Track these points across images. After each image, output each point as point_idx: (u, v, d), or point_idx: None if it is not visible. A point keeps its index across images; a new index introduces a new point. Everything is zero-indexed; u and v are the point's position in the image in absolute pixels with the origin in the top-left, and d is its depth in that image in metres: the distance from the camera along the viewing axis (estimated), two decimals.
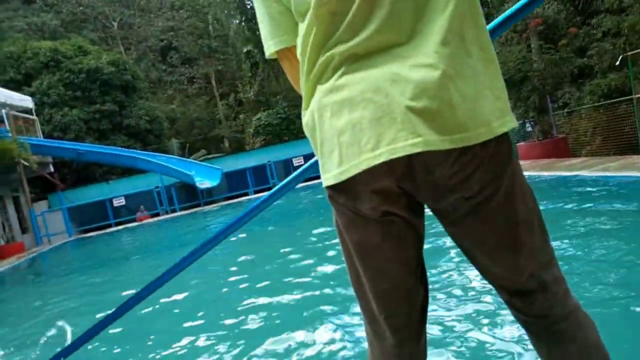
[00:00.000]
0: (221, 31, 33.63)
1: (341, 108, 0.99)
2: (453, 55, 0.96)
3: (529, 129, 12.40)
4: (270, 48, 1.16)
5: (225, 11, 30.87)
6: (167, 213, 18.65)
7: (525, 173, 1.15)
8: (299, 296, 4.11)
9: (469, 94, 0.96)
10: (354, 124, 0.98)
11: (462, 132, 0.95)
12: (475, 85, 0.98)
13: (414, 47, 0.98)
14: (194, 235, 11.83)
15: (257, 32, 18.03)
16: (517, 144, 11.60)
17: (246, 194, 18.91)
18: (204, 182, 18.33)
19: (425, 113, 0.94)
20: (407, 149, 0.94)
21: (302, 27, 1.05)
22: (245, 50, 28.00)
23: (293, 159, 19.39)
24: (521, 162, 7.68)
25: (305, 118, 1.10)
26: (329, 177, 1.03)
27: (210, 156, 24.98)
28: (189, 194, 19.50)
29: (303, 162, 19.20)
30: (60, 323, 4.23)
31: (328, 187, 1.07)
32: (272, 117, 25.52)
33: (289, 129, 25.59)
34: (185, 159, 21.88)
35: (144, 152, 21.23)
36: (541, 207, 1.13)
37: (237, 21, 28.53)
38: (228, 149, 30.33)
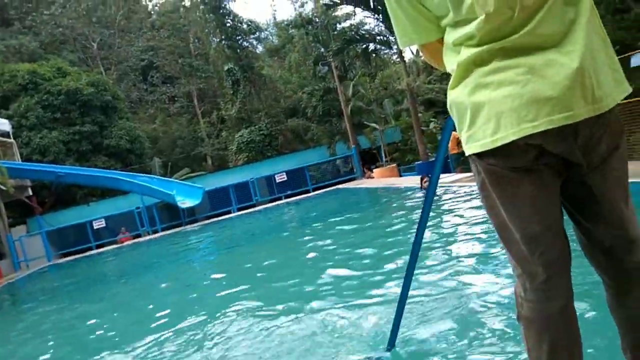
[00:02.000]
0: (202, 49, 33.66)
1: (501, 85, 1.20)
2: (589, 44, 1.21)
3: None
4: (412, 41, 1.45)
5: (206, 30, 30.96)
6: (148, 234, 18.38)
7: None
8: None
9: (600, 72, 1.22)
10: (513, 98, 1.19)
11: (598, 102, 1.21)
12: (602, 65, 1.23)
13: (563, 40, 1.21)
14: (173, 256, 11.65)
15: (237, 50, 18.12)
16: None
17: (229, 212, 18.75)
18: (185, 202, 18.13)
19: (574, 90, 1.18)
20: (562, 121, 1.18)
21: (469, 26, 1.24)
22: (226, 68, 28.02)
23: (275, 175, 19.31)
24: None
25: (455, 94, 1.31)
26: (484, 142, 1.24)
27: (193, 174, 24.78)
28: (171, 214, 19.29)
29: (285, 178, 19.19)
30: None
31: (477, 153, 1.27)
32: (255, 134, 25.47)
33: (271, 145, 25.55)
34: (166, 178, 21.67)
35: (124, 172, 20.99)
36: None
37: (217, 39, 28.60)
38: (211, 166, 30.14)
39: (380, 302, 3.75)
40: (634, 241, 1.35)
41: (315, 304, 4.11)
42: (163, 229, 18.46)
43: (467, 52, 1.26)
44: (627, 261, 1.35)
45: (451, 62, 1.32)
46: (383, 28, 15.08)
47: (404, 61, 15.59)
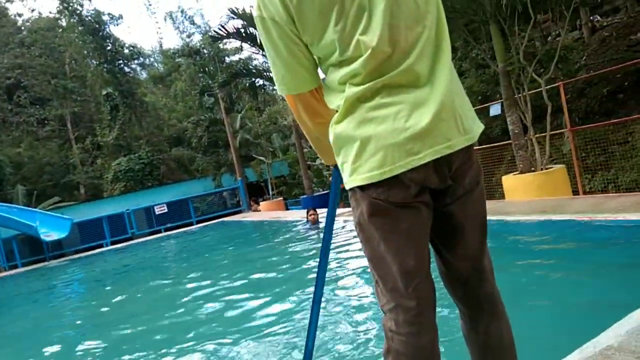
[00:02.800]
0: (78, 71, 31.50)
1: (386, 120, 1.27)
2: (452, 82, 1.34)
3: None
4: (289, 90, 1.45)
5: (85, 52, 29.15)
6: (5, 270, 16.32)
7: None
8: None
9: (464, 107, 1.36)
10: (399, 132, 1.26)
11: (468, 133, 1.34)
12: (463, 101, 1.37)
13: (432, 77, 1.32)
14: (29, 295, 10.42)
15: (117, 75, 17.30)
16: None
17: (101, 246, 17.35)
18: (50, 234, 16.41)
19: (449, 122, 1.30)
20: (444, 150, 1.29)
21: (354, 64, 1.30)
22: (104, 92, 26.48)
23: (155, 207, 18.32)
24: None
25: (340, 128, 1.34)
26: (371, 175, 1.28)
27: (63, 204, 22.65)
28: (34, 247, 17.35)
29: (166, 210, 18.31)
30: None
31: (360, 185, 1.31)
32: (134, 162, 24.12)
33: (152, 174, 24.35)
34: (29, 208, 19.55)
35: None
36: None
37: (96, 62, 27.02)
38: (83, 196, 27.88)
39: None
40: (485, 273, 1.50)
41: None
42: (24, 264, 16.52)
43: (352, 90, 1.31)
44: (479, 290, 1.48)
45: (336, 99, 1.36)
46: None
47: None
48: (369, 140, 1.28)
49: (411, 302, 1.34)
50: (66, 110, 30.47)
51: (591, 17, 16.22)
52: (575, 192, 7.66)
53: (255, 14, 1.39)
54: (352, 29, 1.30)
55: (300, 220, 11.00)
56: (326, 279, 1.71)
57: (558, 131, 8.55)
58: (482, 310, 1.49)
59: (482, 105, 11.47)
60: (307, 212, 9.86)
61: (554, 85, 8.12)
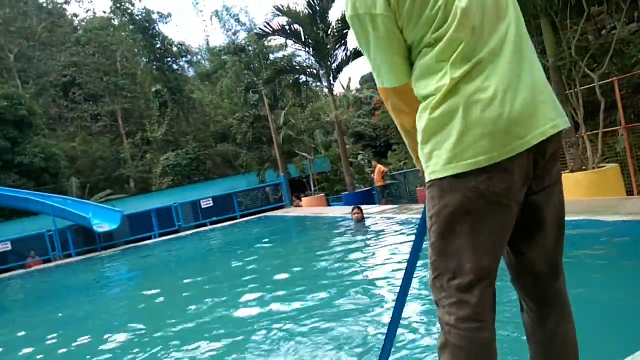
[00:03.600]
0: (129, 69, 32.63)
1: (490, 104, 1.24)
2: (538, 63, 1.38)
3: None
4: (389, 84, 1.44)
5: (136, 50, 30.13)
6: (60, 259, 17.16)
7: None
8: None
9: (552, 90, 1.38)
10: (505, 116, 1.23)
11: (564, 116, 1.36)
12: (548, 83, 1.39)
13: (523, 58, 1.32)
14: (82, 284, 10.92)
15: (166, 72, 17.70)
16: (417, 189, 12.08)
17: (150, 238, 17.97)
18: (102, 225, 17.14)
19: (549, 105, 1.31)
20: (550, 132, 1.28)
21: (443, 43, 1.30)
22: (154, 89, 27.30)
23: (201, 201, 18.80)
24: (419, 206, 7.80)
25: (441, 110, 1.28)
26: (475, 161, 1.24)
27: (114, 197, 23.59)
28: (87, 238, 18.16)
29: (212, 204, 18.76)
30: None
31: (457, 174, 1.26)
32: (181, 157, 24.81)
33: (198, 169, 24.98)
34: (83, 200, 20.45)
35: (36, 192, 19.58)
36: None
37: (146, 60, 27.88)
38: (133, 189, 28.90)
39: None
40: (559, 269, 1.47)
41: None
42: (77, 254, 17.32)
43: (454, 71, 1.28)
44: (551, 286, 1.46)
45: (433, 82, 1.32)
46: (313, 61, 15.40)
47: (333, 94, 15.93)
48: (475, 124, 1.24)
49: (475, 299, 1.32)
50: (117, 106, 31.67)
51: None
52: (630, 193, 7.33)
53: (349, 14, 1.39)
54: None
55: (343, 218, 11.02)
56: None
57: (612, 129, 8.20)
58: (552, 307, 1.47)
59: None
60: (352, 211, 9.85)
61: (608, 80, 7.79)
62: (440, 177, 1.30)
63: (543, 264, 1.44)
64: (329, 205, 16.78)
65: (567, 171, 6.96)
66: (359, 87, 35.10)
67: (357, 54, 14.54)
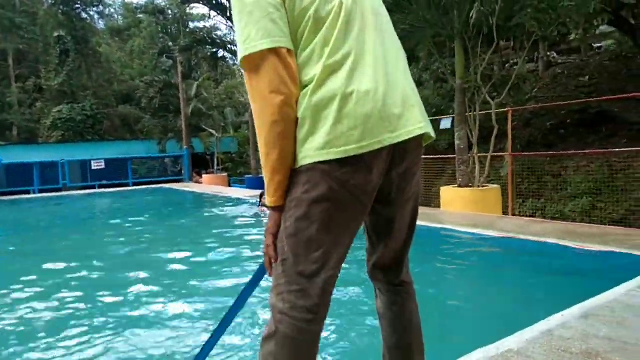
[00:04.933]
0: (29, 7, 29.63)
1: (366, 98, 1.24)
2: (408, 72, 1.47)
3: None
4: (264, 45, 1.24)
5: None
6: None
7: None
8: None
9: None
10: (378, 108, 1.25)
11: (430, 125, 1.41)
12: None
13: (397, 62, 1.39)
14: None
15: (73, 19, 16.49)
16: None
17: (28, 192, 16.55)
18: None
19: (417, 110, 1.36)
20: (416, 132, 1.31)
21: (324, 27, 1.28)
22: (55, 34, 25.08)
23: (92, 162, 17.64)
24: None
25: (319, 96, 1.24)
26: (345, 149, 1.22)
27: None
28: None
29: (103, 166, 17.68)
30: None
31: (324, 161, 1.23)
32: (76, 112, 23.08)
33: (93, 128, 23.40)
34: None
35: None
36: None
37: (51, 1, 25.53)
38: (16, 137, 26.37)
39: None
40: (405, 264, 1.61)
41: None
42: None
43: (331, 58, 1.26)
44: (397, 277, 1.60)
45: (312, 69, 1.27)
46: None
47: None
48: (348, 115, 1.23)
49: (316, 290, 1.29)
50: (10, 45, 28.62)
51: (548, 53, 17.08)
52: (505, 213, 8.11)
53: None
54: None
55: (244, 200, 10.98)
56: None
57: (500, 154, 9.00)
58: (398, 294, 1.60)
59: (435, 118, 11.86)
60: (261, 195, 9.58)
61: (503, 110, 8.54)
62: (311, 162, 1.25)
63: (392, 260, 1.56)
64: (229, 185, 16.59)
65: (456, 185, 7.55)
66: None
67: None
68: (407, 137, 1.29)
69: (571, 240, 4.64)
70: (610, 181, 9.88)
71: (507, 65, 15.96)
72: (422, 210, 7.56)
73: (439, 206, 9.47)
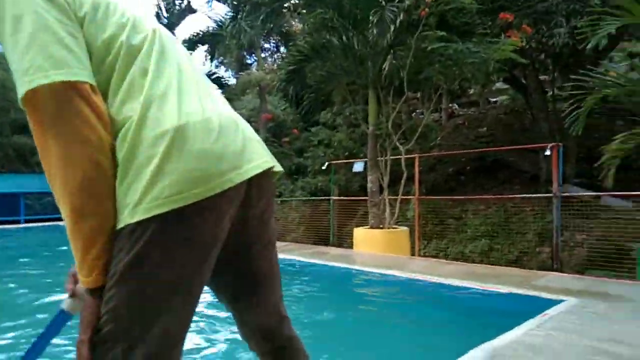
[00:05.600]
0: None
1: (202, 131, 1.04)
2: None
3: None
4: (58, 76, 0.94)
5: None
6: None
7: None
8: None
9: None
10: (212, 142, 1.04)
11: (270, 154, 1.24)
12: None
13: (215, 96, 1.21)
14: None
15: None
16: None
17: None
18: None
19: (259, 144, 1.20)
20: (264, 165, 1.15)
21: (140, 55, 1.09)
22: None
23: None
24: None
25: (145, 135, 1.00)
26: (178, 198, 0.97)
27: None
28: None
29: None
30: None
31: (158, 215, 0.96)
32: None
33: None
34: None
35: None
36: None
37: None
38: None
39: None
40: (285, 317, 1.42)
41: None
42: None
43: (153, 87, 1.06)
44: (285, 336, 1.40)
45: (132, 102, 1.04)
46: None
47: None
48: (185, 150, 1.00)
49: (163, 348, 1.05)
50: None
51: (450, 105, 18.47)
52: (412, 254, 8.45)
53: None
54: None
55: None
56: None
57: (408, 197, 9.44)
58: (285, 351, 1.41)
59: (348, 160, 12.26)
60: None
61: (411, 156, 9.03)
62: (139, 219, 0.97)
63: (273, 320, 1.37)
64: None
65: (368, 227, 7.76)
66: None
67: None
68: (256, 172, 1.12)
69: (473, 281, 4.92)
70: (505, 224, 10.68)
71: (413, 115, 17.01)
72: (336, 251, 7.63)
73: (351, 246, 9.66)
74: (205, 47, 15.28)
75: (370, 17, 6.34)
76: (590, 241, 8.81)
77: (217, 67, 21.86)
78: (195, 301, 1.11)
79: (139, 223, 0.97)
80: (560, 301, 3.92)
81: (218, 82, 14.89)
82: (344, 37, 7.20)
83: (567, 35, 8.65)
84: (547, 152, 7.43)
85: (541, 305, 3.93)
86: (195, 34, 14.25)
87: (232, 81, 19.74)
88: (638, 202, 8.00)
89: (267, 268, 1.32)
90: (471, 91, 17.17)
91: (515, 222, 10.64)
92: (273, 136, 14.09)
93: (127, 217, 0.98)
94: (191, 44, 14.38)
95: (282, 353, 1.40)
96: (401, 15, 6.35)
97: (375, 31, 6.30)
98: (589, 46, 5.30)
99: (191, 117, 1.04)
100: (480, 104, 18.96)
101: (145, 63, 1.09)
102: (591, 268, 8.18)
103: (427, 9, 6.40)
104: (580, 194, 8.56)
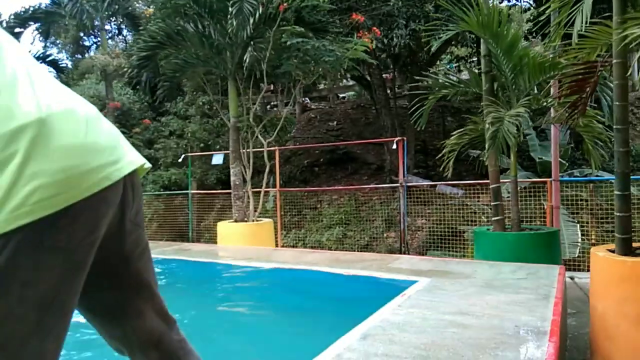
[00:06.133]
0: None
1: (69, 122, 0.95)
2: None
3: None
4: None
5: None
6: None
7: None
8: None
9: None
10: (92, 137, 0.97)
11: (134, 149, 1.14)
12: None
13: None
14: None
15: None
16: None
17: None
18: None
19: (118, 132, 1.11)
20: (139, 161, 1.09)
21: None
22: None
23: None
24: None
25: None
26: (45, 204, 0.86)
27: None
28: None
29: None
30: None
31: (19, 228, 0.85)
32: None
33: None
34: None
35: None
36: None
37: None
38: None
39: None
40: (173, 320, 1.34)
41: None
42: None
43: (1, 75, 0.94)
44: (172, 340, 1.31)
45: None
46: None
47: None
48: (52, 146, 0.89)
49: None
50: None
51: (302, 99, 19.05)
52: (276, 245, 8.62)
53: None
54: None
55: None
56: None
57: (270, 189, 9.58)
58: (184, 352, 1.33)
59: (204, 153, 11.99)
60: None
61: (272, 148, 9.16)
62: (2, 231, 0.86)
63: (160, 323, 1.28)
64: None
65: (232, 220, 7.72)
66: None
67: None
68: (132, 168, 1.05)
69: (339, 267, 5.20)
70: (357, 212, 11.43)
71: (268, 107, 17.21)
72: (199, 247, 7.45)
73: (209, 241, 9.49)
74: (37, 25, 13.62)
75: (230, 9, 6.26)
76: (428, 225, 9.87)
77: (49, 48, 19.63)
78: (69, 317, 1.01)
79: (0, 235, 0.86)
80: (414, 282, 4.34)
81: (55, 65, 13.39)
82: (199, 25, 7.00)
83: (408, 37, 9.50)
84: (394, 146, 8.10)
85: (398, 285, 4.30)
86: (24, 10, 12.60)
87: (68, 64, 17.92)
88: (467, 190, 9.15)
89: (149, 272, 1.25)
90: (321, 86, 17.91)
91: (365, 210, 11.46)
92: (121, 126, 13.17)
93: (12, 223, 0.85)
94: (21, 20, 12.67)
95: (179, 351, 1.32)
96: (260, 9, 6.39)
97: (234, 22, 6.24)
98: (432, 49, 5.90)
99: (53, 107, 0.92)
100: (330, 99, 19.88)
101: None
102: (431, 250, 9.18)
103: (285, 3, 6.53)
104: (420, 183, 9.50)
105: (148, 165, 1.18)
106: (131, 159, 1.07)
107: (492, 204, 5.51)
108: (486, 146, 4.96)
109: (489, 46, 5.21)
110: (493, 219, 5.52)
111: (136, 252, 1.19)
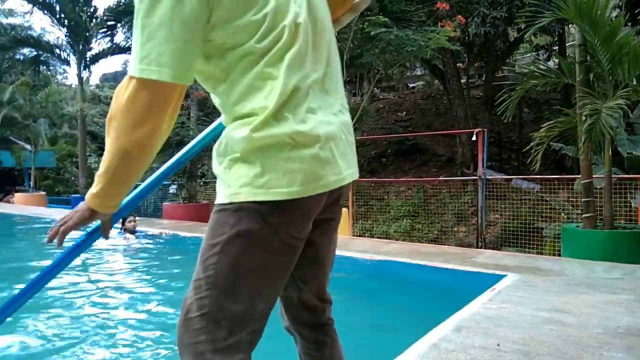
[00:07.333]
0: None
1: (315, 138, 1.10)
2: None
3: (172, 191, 12.79)
4: (163, 76, 1.01)
5: None
6: None
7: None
8: None
9: None
10: (323, 153, 1.12)
11: (355, 166, 1.29)
12: None
13: (339, 93, 1.25)
14: None
15: None
16: (163, 203, 11.76)
17: None
18: None
19: (353, 148, 1.28)
20: (355, 175, 1.26)
21: (269, 58, 1.08)
22: None
23: None
24: (166, 221, 7.54)
25: (265, 133, 1.07)
26: (283, 192, 1.08)
27: None
28: None
29: None
30: None
31: (262, 203, 1.08)
32: None
33: None
34: None
35: None
36: None
37: None
38: None
39: None
40: (329, 301, 1.50)
41: None
42: None
43: (285, 86, 1.08)
44: (323, 316, 1.48)
45: (258, 99, 1.09)
46: (64, 42, 13.55)
47: (82, 84, 14.24)
48: (296, 153, 1.09)
49: (247, 346, 1.19)
50: None
51: (373, 89, 18.97)
52: (350, 234, 8.70)
53: None
54: (285, 4, 1.12)
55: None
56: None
57: None
58: (326, 334, 1.49)
59: None
60: (124, 221, 7.50)
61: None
62: (243, 200, 1.09)
63: (315, 299, 1.44)
64: (47, 206, 14.57)
65: None
66: (98, 83, 32.36)
67: (121, 50, 13.37)
68: (350, 180, 1.23)
69: (420, 259, 5.19)
70: (425, 205, 11.29)
71: None
72: None
73: None
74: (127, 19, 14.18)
75: None
76: (502, 220, 9.59)
77: None
78: (281, 286, 1.25)
79: (240, 205, 1.10)
80: (502, 276, 4.27)
81: None
82: None
83: (489, 25, 9.18)
84: (474, 138, 7.92)
85: (484, 280, 4.25)
86: (116, 4, 12.85)
87: None
88: (544, 185, 8.80)
89: (321, 248, 1.40)
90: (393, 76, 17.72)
91: (434, 203, 11.29)
92: (205, 115, 13.59)
93: (231, 197, 1.11)
94: (115, 14, 12.73)
95: (324, 330, 1.48)
96: None
97: None
98: (526, 35, 5.68)
99: (321, 128, 1.13)
100: (399, 89, 19.65)
101: (283, 55, 1.11)
102: (505, 245, 8.93)
103: None
104: (495, 176, 9.24)
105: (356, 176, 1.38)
106: (351, 171, 1.26)
107: (582, 200, 5.30)
108: (581, 139, 4.76)
109: (586, 34, 4.98)
110: (583, 215, 5.31)
111: (326, 231, 1.37)
